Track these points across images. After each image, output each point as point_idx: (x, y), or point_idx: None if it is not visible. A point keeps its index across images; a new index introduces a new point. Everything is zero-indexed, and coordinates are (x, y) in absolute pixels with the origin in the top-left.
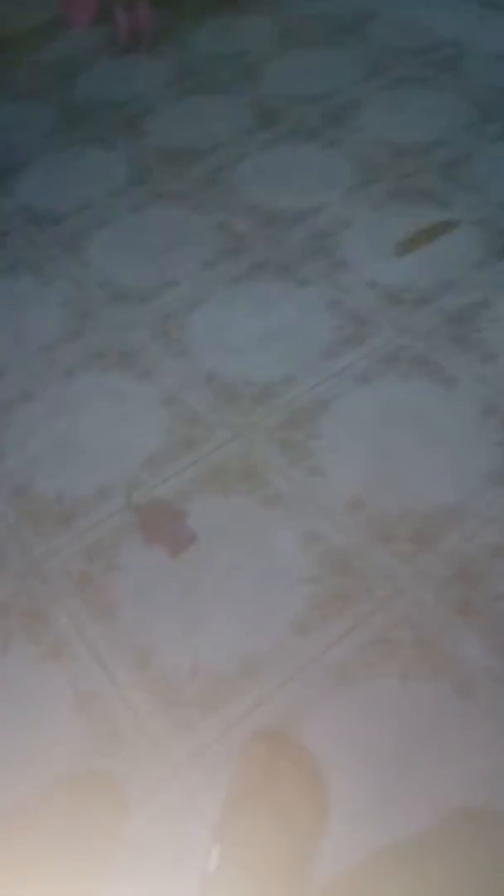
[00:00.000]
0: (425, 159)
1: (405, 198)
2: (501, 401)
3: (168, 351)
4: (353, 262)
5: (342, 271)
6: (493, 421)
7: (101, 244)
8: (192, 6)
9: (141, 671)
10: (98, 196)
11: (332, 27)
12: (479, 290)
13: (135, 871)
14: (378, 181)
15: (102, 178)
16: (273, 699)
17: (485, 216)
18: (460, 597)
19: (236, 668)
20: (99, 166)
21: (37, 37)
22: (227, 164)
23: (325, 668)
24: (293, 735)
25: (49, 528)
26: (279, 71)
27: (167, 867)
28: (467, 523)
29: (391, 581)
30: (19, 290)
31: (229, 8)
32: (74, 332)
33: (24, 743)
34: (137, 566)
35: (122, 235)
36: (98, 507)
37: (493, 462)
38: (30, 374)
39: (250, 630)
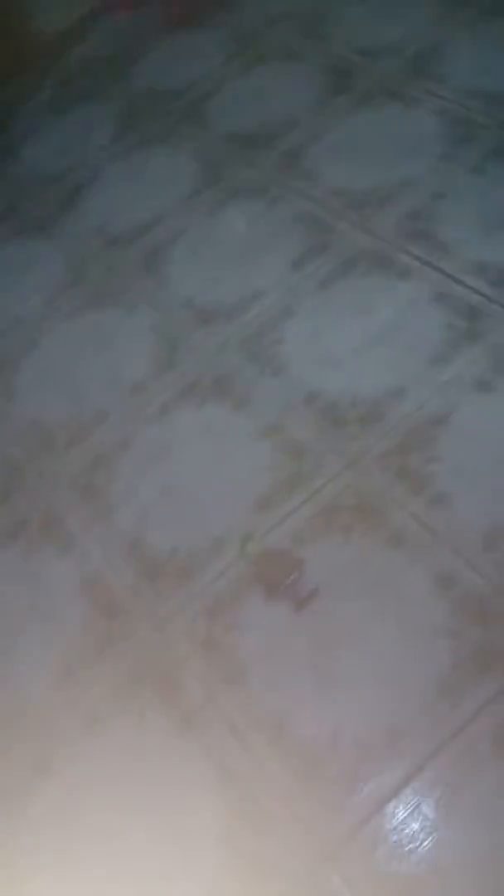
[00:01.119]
0: None
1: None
2: None
3: None
4: None
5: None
6: None
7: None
8: None
9: (278, 741)
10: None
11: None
12: None
13: None
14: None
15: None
16: (422, 774)
17: None
18: None
19: (381, 736)
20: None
21: (79, 32)
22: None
23: (476, 736)
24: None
25: (167, 586)
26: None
27: None
28: None
29: None
30: (106, 323)
31: None
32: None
33: (172, 826)
34: (260, 623)
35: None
36: (213, 559)
37: None
38: (126, 417)
39: (390, 692)
